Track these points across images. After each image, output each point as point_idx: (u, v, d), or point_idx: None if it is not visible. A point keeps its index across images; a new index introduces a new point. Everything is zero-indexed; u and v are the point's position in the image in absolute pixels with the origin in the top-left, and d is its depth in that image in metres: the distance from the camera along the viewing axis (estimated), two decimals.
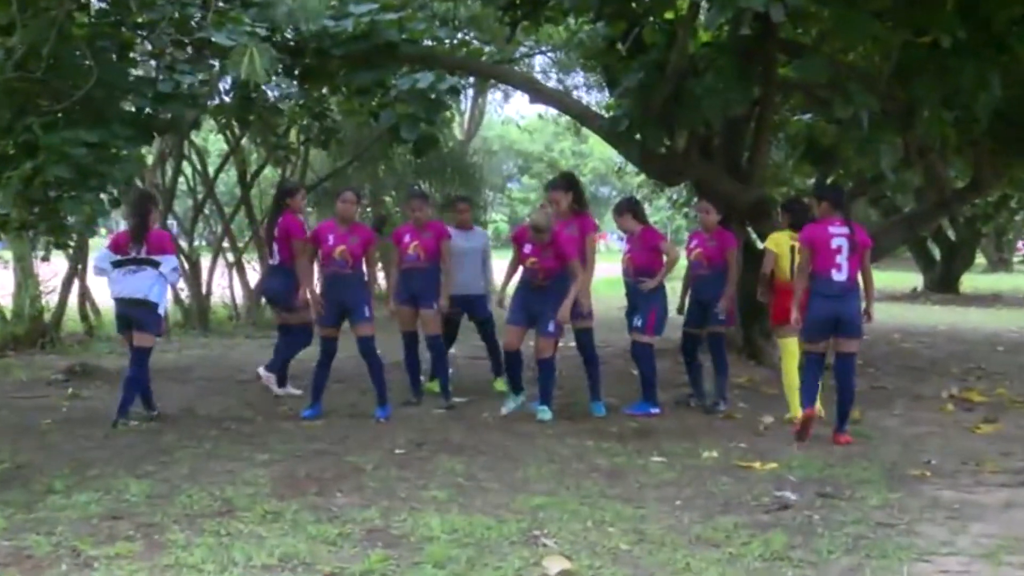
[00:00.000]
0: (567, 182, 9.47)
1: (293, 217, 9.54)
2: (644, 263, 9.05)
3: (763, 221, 11.47)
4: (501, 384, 9.91)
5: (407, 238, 9.39)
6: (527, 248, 8.71)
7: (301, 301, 9.18)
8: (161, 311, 8.65)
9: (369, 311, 8.67)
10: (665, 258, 9.07)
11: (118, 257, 8.46)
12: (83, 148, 7.79)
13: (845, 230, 7.77)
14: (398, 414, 8.85)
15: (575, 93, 22.14)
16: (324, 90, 11.66)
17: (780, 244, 8.71)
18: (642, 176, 19.51)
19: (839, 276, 7.70)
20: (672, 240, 9.64)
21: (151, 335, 8.61)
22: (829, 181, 13.55)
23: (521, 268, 8.86)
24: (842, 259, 7.71)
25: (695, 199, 15.23)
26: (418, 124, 9.83)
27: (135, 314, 8.45)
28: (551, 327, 8.64)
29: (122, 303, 8.52)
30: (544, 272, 8.64)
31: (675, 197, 24.43)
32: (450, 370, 9.71)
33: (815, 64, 9.95)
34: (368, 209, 18.42)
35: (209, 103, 10.46)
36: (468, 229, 10.11)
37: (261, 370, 9.89)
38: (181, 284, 15.78)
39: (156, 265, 8.42)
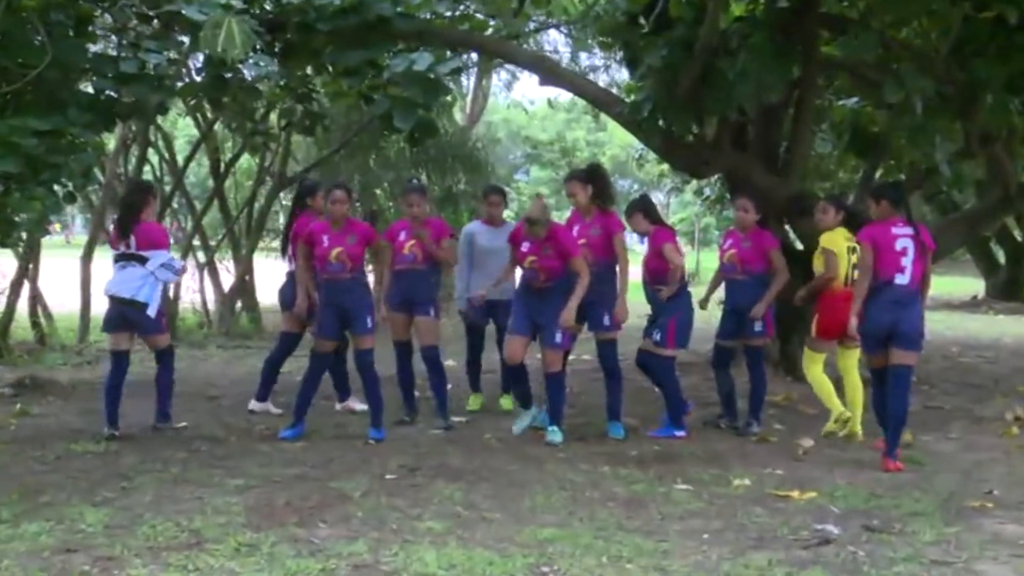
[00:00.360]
0: (587, 173, 9.43)
1: (314, 219, 9.63)
2: (656, 267, 9.12)
3: (803, 219, 11.47)
4: (508, 402, 9.92)
5: (403, 236, 9.40)
6: (524, 246, 8.70)
7: (299, 310, 9.25)
8: (152, 311, 8.76)
9: (372, 321, 8.74)
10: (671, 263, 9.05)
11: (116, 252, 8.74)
12: (34, 138, 7.79)
13: (909, 231, 7.86)
14: (390, 435, 8.85)
15: (591, 74, 22.16)
16: (308, 70, 11.67)
17: (838, 245, 8.80)
18: (665, 166, 19.51)
19: (902, 280, 7.79)
20: (699, 240, 9.68)
21: (158, 336, 8.96)
22: (878, 175, 13.58)
23: (520, 269, 8.88)
24: (907, 262, 7.80)
25: (728, 195, 15.24)
26: (414, 110, 9.74)
27: (129, 315, 8.70)
28: (558, 337, 8.65)
29: (113, 302, 8.75)
30: (545, 272, 8.62)
31: (707, 193, 24.40)
32: (448, 386, 9.72)
33: (863, 41, 9.95)
34: (358, 204, 18.43)
35: (178, 84, 10.49)
36: (499, 225, 10.06)
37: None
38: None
39: (144, 261, 8.53)
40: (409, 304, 9.34)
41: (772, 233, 9.85)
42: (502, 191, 10.63)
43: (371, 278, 9.92)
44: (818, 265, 8.92)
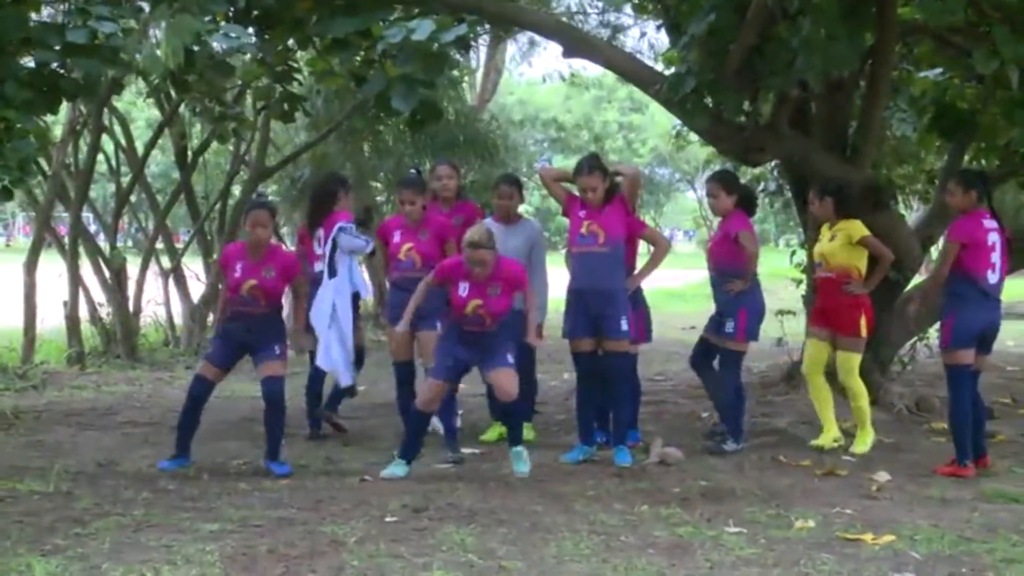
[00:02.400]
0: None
1: (346, 217, 9.81)
2: (725, 255, 9.74)
3: (877, 211, 11.50)
4: (528, 431, 10.00)
5: (396, 237, 9.48)
6: (462, 289, 8.66)
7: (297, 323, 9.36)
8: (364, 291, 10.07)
9: (280, 348, 8.89)
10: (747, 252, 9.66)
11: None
12: None
13: (995, 224, 8.51)
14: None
15: (623, 43, 22.17)
16: (290, 42, 11.70)
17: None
18: (710, 149, 19.46)
19: (994, 278, 8.46)
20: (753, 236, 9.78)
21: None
22: (968, 158, 13.59)
23: (453, 310, 8.84)
24: (996, 258, 8.44)
25: (788, 186, 15.27)
26: (415, 88, 9.75)
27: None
28: (510, 358, 8.79)
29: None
30: (492, 317, 8.68)
31: (763, 185, 24.30)
32: (459, 411, 9.79)
33: (949, 1, 9.97)
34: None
35: (137, 58, 10.52)
36: (513, 221, 10.10)
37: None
38: (101, 299, 15.91)
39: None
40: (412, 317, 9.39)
41: (743, 215, 10.02)
42: (516, 181, 10.63)
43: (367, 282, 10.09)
44: (848, 257, 9.70)
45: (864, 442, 9.71)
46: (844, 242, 9.72)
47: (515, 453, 8.85)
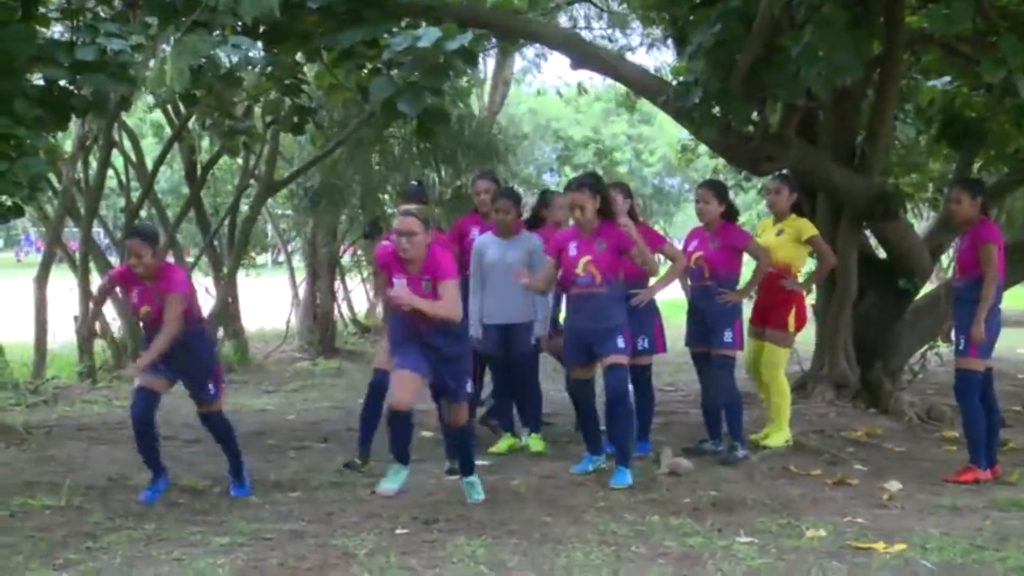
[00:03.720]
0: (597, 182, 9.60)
1: (474, 219, 9.92)
2: (723, 264, 9.80)
3: (887, 222, 11.51)
4: (537, 442, 9.99)
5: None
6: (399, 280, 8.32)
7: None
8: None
9: (215, 387, 8.71)
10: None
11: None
12: None
13: None
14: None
15: (630, 55, 22.16)
16: (298, 56, 11.74)
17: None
18: (720, 159, 19.46)
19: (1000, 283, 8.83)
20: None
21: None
22: (977, 167, 13.60)
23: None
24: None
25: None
26: (422, 94, 9.74)
27: None
28: (469, 387, 8.69)
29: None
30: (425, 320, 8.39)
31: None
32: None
33: (956, 9, 9.96)
34: (360, 212, 18.55)
35: (145, 74, 10.56)
36: (510, 235, 10.03)
37: None
38: (112, 315, 15.93)
39: None
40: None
41: (740, 228, 10.12)
42: (514, 195, 10.48)
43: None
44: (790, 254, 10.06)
45: (779, 439, 10.00)
46: (791, 239, 9.98)
47: (467, 484, 8.55)
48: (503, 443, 10.16)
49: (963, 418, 9.10)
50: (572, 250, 8.95)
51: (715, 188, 10.03)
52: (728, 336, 9.62)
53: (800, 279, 10.19)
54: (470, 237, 10.30)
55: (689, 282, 10.00)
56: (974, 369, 8.88)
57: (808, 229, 10.10)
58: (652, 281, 9.45)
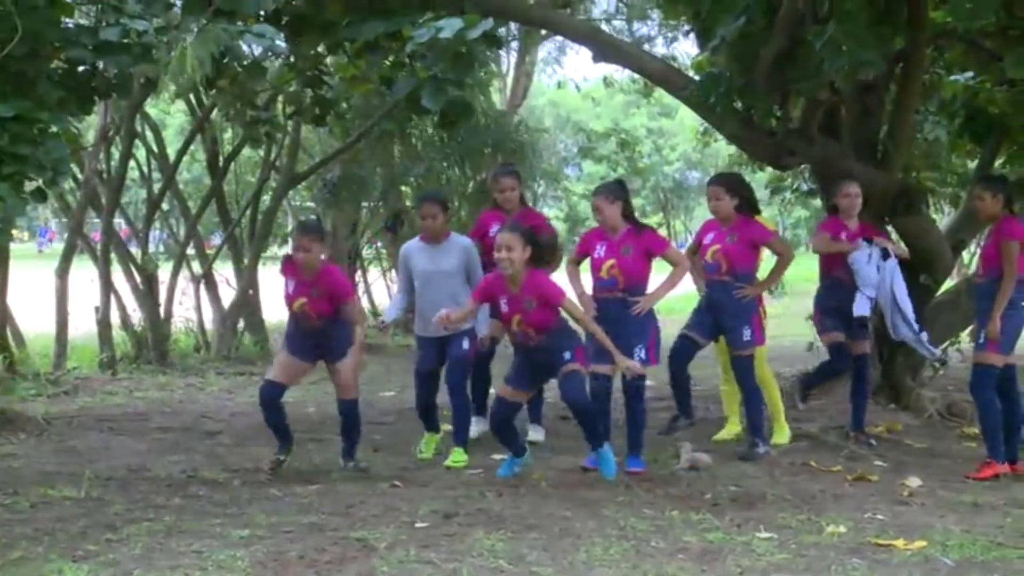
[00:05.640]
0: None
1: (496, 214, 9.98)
2: (743, 261, 9.72)
3: (908, 216, 11.45)
4: (459, 455, 9.60)
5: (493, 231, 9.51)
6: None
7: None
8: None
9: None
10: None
11: None
12: None
13: None
14: (421, 476, 8.92)
15: (650, 47, 22.14)
16: (320, 47, 11.73)
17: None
18: (736, 152, 19.42)
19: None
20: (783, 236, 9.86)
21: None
22: (999, 163, 13.53)
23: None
24: None
25: (819, 190, 15.21)
26: (445, 87, 9.71)
27: None
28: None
29: None
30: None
31: (799, 185, 24.19)
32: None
33: (979, 5, 9.92)
34: (380, 205, 18.54)
35: (169, 56, 10.51)
36: (439, 241, 9.71)
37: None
38: (132, 305, 15.95)
39: None
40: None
41: (760, 223, 10.02)
42: (440, 198, 10.06)
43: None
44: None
45: (783, 436, 10.14)
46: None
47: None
48: (428, 444, 9.89)
49: (978, 412, 9.18)
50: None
51: (726, 182, 9.88)
52: (747, 334, 9.53)
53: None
54: (492, 233, 9.83)
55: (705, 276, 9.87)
56: (990, 364, 8.90)
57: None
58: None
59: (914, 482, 8.69)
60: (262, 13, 9.75)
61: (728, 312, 9.59)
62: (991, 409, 8.92)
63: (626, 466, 9.02)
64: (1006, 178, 10.18)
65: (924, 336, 9.95)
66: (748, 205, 9.82)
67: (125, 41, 8.69)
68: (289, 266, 8.94)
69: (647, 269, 9.10)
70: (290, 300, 8.94)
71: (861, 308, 9.72)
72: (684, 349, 9.71)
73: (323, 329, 8.95)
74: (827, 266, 10.13)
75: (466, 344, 9.55)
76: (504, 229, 8.61)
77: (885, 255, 9.57)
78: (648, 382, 9.45)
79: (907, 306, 9.70)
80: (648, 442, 9.38)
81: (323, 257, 9.04)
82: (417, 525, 7.47)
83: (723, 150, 26.39)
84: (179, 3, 9.24)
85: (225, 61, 9.94)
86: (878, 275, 9.54)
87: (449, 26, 9.29)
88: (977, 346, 8.98)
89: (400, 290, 10.00)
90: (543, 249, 8.64)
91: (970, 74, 13.09)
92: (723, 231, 9.68)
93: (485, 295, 8.77)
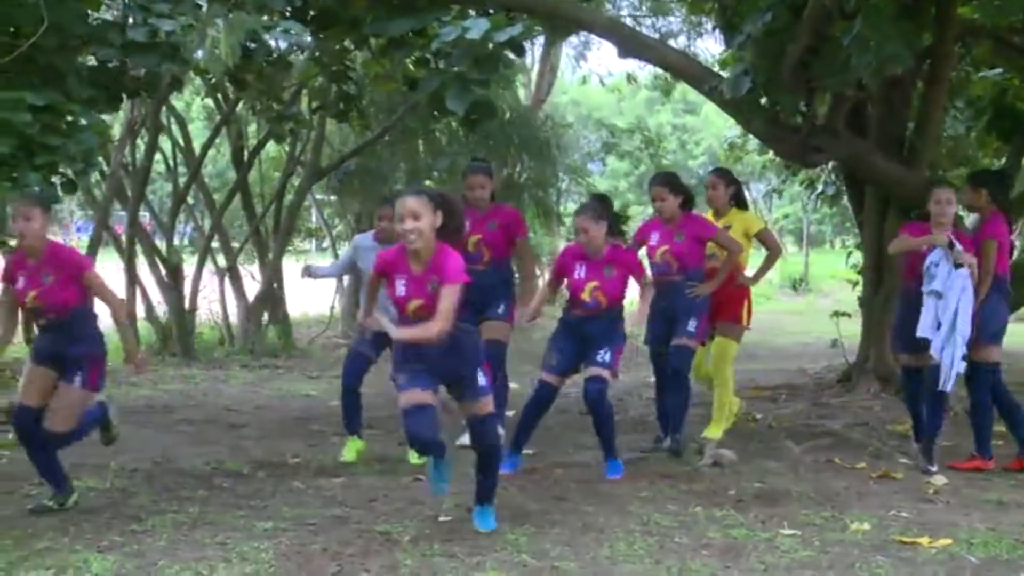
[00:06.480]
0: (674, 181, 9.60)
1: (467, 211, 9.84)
2: (693, 259, 9.50)
3: None
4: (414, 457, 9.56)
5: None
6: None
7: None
8: None
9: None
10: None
11: None
12: (28, 114, 7.85)
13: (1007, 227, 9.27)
14: None
15: (675, 43, 22.09)
16: (346, 42, 11.73)
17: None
18: (768, 153, 19.43)
19: (1007, 279, 9.14)
20: (807, 240, 9.76)
21: None
22: None
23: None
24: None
25: (845, 188, 15.17)
26: (469, 88, 9.67)
27: None
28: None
29: None
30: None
31: (821, 188, 24.11)
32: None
33: (1007, 1, 9.90)
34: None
35: (196, 56, 10.55)
36: (390, 242, 8.97)
37: None
38: (157, 297, 16.01)
39: None
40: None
41: (704, 218, 9.85)
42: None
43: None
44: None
45: (717, 431, 9.68)
46: (739, 234, 9.70)
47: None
48: (351, 448, 9.57)
49: (972, 407, 9.31)
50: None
51: (668, 182, 9.62)
52: (692, 326, 9.32)
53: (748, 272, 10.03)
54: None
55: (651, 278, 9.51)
56: (989, 360, 9.09)
57: (756, 224, 10.02)
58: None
59: (939, 480, 8.66)
60: (288, 9, 9.77)
61: (680, 308, 9.35)
62: (984, 405, 9.15)
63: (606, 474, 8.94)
64: (993, 172, 10.22)
65: (956, 371, 8.89)
66: (737, 200, 9.92)
67: (153, 41, 8.74)
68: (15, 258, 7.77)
69: (623, 288, 8.92)
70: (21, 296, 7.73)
71: (925, 329, 8.99)
72: (660, 365, 9.73)
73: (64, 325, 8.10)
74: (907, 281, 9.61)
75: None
76: (408, 192, 7.38)
77: (958, 265, 9.00)
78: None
79: (965, 332, 8.83)
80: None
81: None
82: (440, 519, 7.47)
83: (755, 160, 26.25)
84: (205, 3, 9.27)
85: (253, 48, 9.93)
86: (949, 279, 8.96)
87: (476, 27, 9.28)
88: (976, 344, 8.93)
89: (339, 267, 10.52)
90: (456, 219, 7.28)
91: (998, 71, 13.06)
92: (668, 230, 9.45)
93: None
